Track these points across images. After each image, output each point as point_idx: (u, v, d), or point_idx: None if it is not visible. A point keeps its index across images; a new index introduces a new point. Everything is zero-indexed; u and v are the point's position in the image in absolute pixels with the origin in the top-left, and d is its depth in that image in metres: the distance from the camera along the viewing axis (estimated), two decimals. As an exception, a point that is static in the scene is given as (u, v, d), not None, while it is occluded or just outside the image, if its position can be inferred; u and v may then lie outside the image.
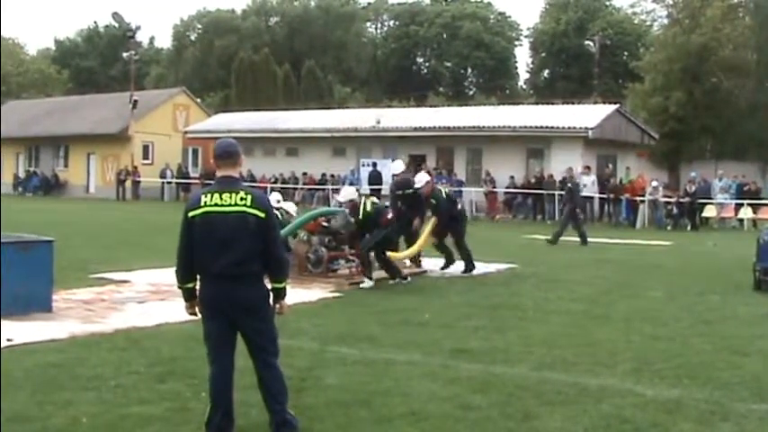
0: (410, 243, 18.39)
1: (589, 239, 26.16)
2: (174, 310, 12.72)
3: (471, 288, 16.13)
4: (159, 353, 9.88)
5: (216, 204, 6.81)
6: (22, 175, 63.30)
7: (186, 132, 57.14)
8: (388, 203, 18.10)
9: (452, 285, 16.54)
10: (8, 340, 10.23)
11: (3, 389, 8.10)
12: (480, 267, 18.98)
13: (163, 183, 55.11)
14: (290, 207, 18.40)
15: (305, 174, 48.11)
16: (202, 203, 6.86)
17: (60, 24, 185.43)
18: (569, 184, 28.87)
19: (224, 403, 6.89)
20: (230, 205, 6.80)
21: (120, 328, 11.48)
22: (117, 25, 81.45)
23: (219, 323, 6.89)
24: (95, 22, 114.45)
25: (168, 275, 16.02)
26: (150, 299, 14.08)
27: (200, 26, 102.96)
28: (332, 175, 47.22)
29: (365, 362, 9.60)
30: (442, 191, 19.40)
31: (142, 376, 8.80)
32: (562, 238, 26.16)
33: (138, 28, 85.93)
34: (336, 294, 15.02)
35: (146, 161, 57.76)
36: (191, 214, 6.88)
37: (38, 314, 12.06)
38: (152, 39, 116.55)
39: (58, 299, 12.97)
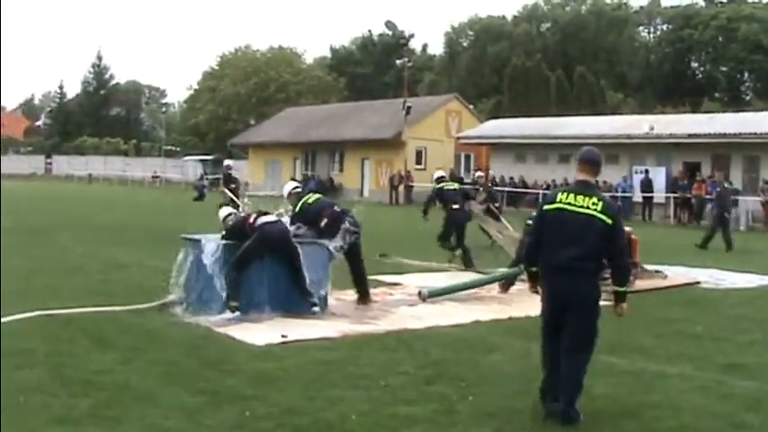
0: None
1: None
2: (445, 314, 12.91)
3: (747, 301, 15.55)
4: (428, 355, 10.00)
5: (569, 203, 7.52)
6: (299, 178, 65.61)
7: (458, 138, 57.78)
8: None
9: (727, 297, 15.97)
10: (282, 336, 10.68)
11: (278, 383, 8.54)
12: (755, 279, 18.38)
13: (435, 188, 55.62)
14: None
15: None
16: (558, 200, 7.60)
17: (336, 33, 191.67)
18: (719, 188, 28.85)
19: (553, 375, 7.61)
20: (582, 207, 7.44)
21: (391, 329, 11.69)
22: (390, 33, 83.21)
23: (551, 312, 7.68)
24: (369, 31, 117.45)
25: (438, 280, 16.21)
26: (421, 302, 14.24)
27: (471, 33, 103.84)
28: (604, 182, 46.60)
29: (635, 372, 9.45)
30: None
31: (410, 377, 8.94)
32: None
33: (411, 35, 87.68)
34: (606, 303, 14.77)
35: (418, 166, 58.72)
36: (545, 207, 7.66)
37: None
38: (425, 46, 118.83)
39: (332, 299, 13.36)
